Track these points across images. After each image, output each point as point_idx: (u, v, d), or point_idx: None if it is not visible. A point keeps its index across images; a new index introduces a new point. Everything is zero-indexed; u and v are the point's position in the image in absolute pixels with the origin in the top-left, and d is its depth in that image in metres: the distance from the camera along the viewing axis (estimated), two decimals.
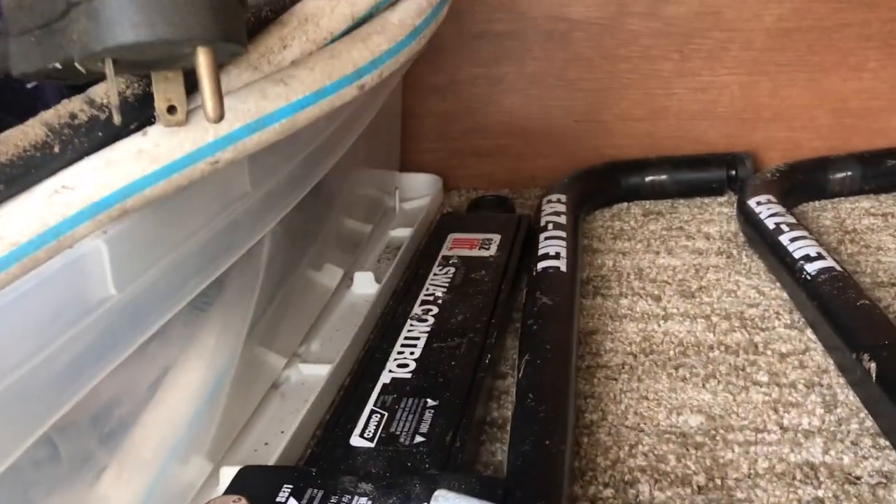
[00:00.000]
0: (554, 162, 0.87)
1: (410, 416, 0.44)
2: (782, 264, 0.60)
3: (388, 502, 0.37)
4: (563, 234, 0.65)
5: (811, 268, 0.57)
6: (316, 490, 0.38)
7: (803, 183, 0.77)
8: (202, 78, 0.29)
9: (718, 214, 0.76)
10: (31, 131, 0.29)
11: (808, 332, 0.55)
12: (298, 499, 0.37)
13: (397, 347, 0.51)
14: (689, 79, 0.83)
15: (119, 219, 0.31)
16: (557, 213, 0.69)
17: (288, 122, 0.35)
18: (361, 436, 0.43)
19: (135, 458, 0.38)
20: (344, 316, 0.62)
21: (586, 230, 0.75)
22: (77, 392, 0.31)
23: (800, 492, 0.41)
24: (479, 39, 0.84)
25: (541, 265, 0.60)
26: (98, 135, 0.31)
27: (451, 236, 0.68)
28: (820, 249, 0.59)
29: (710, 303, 0.60)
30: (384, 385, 0.47)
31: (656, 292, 0.62)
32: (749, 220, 0.68)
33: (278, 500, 0.37)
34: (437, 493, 0.34)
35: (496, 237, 0.67)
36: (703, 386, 0.50)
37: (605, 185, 0.79)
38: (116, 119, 0.30)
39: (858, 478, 0.42)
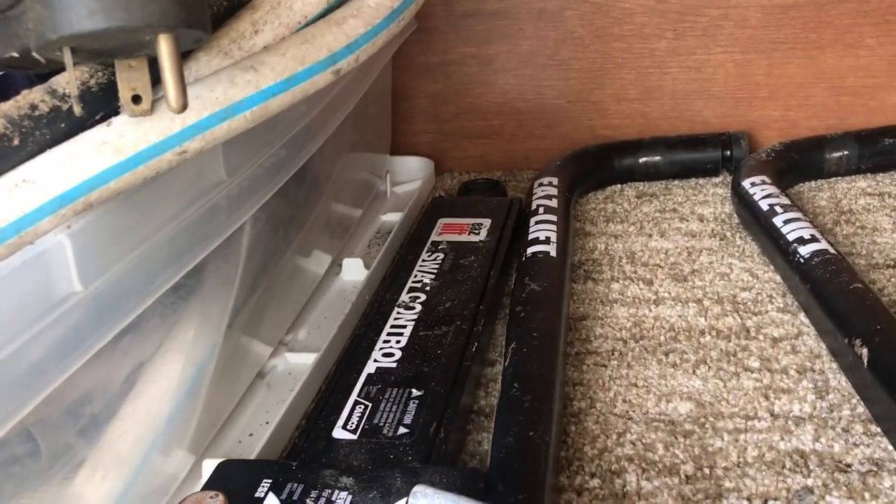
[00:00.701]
0: (547, 143, 0.86)
1: (394, 407, 0.43)
2: (776, 247, 0.59)
3: (369, 496, 0.36)
4: (554, 217, 0.64)
5: (804, 250, 0.56)
6: (296, 484, 0.37)
7: (799, 163, 0.76)
8: (164, 66, 0.28)
9: (713, 195, 0.75)
10: None
11: (801, 315, 0.55)
12: (278, 493, 0.37)
13: (383, 336, 0.50)
14: (684, 57, 0.81)
15: (83, 213, 0.30)
16: (549, 197, 0.68)
17: (259, 110, 0.34)
18: (344, 427, 0.42)
19: (112, 452, 0.37)
20: (332, 303, 0.61)
21: (579, 213, 0.74)
22: (44, 389, 0.30)
23: (789, 480, 0.40)
24: (470, 19, 0.83)
25: (530, 250, 0.59)
26: (60, 126, 0.30)
27: (441, 221, 0.67)
28: (814, 231, 0.58)
29: (703, 286, 0.59)
30: (369, 375, 0.46)
31: (648, 276, 0.62)
32: (743, 202, 0.67)
33: (257, 494, 0.37)
34: (415, 488, 0.33)
35: (486, 222, 0.66)
36: (694, 372, 0.50)
37: (598, 166, 0.78)
38: (77, 110, 0.29)
39: (849, 465, 0.41)
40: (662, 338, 0.54)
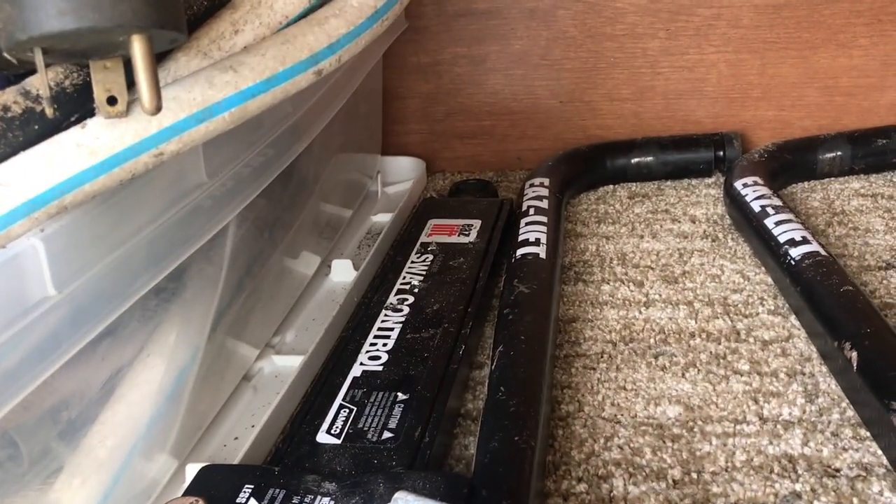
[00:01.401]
0: (540, 143, 0.86)
1: (380, 411, 0.43)
2: (767, 248, 0.59)
3: (351, 502, 0.36)
4: (545, 218, 0.64)
5: (795, 252, 0.55)
6: (278, 490, 0.37)
7: (792, 163, 0.75)
8: (137, 68, 0.27)
9: (705, 196, 0.75)
10: None
11: (792, 318, 0.54)
12: (259, 499, 0.36)
13: (370, 339, 0.50)
14: (677, 57, 0.81)
15: (57, 216, 0.29)
16: (540, 198, 0.67)
17: (238, 111, 0.33)
18: (328, 432, 0.42)
19: (92, 457, 0.37)
20: (321, 305, 0.60)
21: (571, 213, 0.73)
22: (18, 393, 0.29)
23: (777, 485, 0.40)
24: (461, 18, 0.83)
25: (520, 252, 0.58)
26: (34, 128, 0.30)
27: (431, 222, 0.66)
28: (805, 233, 0.58)
29: (693, 288, 0.59)
30: (355, 378, 0.46)
31: (639, 278, 0.61)
32: (735, 203, 0.67)
33: (238, 500, 0.36)
34: (396, 495, 0.33)
35: (476, 223, 0.66)
36: (683, 375, 0.49)
37: (590, 167, 0.78)
38: (49, 111, 0.29)
39: (838, 470, 0.41)
40: (652, 340, 0.53)
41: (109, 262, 0.32)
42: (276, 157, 0.48)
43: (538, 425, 0.40)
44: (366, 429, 0.42)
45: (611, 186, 0.78)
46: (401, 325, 0.51)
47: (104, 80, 0.30)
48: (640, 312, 0.57)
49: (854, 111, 0.81)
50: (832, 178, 0.76)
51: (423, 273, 0.58)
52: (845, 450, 0.42)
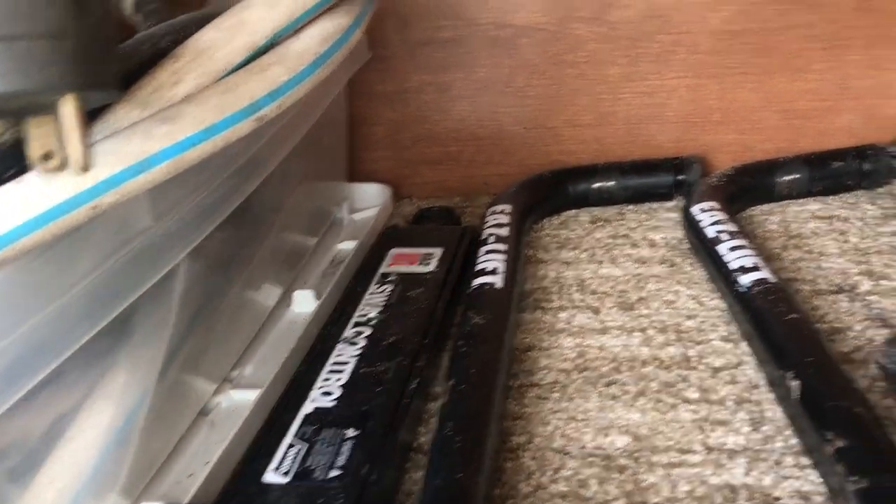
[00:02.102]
0: (505, 169, 0.87)
1: (329, 448, 0.43)
2: (720, 274, 0.60)
3: None
4: (504, 246, 0.65)
5: (745, 279, 0.56)
6: None
7: (751, 186, 0.77)
8: (64, 129, 0.28)
9: (665, 220, 0.76)
10: None
11: (743, 344, 0.55)
12: None
13: (324, 374, 0.50)
14: (637, 83, 0.82)
15: None
16: (500, 225, 0.68)
17: (176, 161, 0.34)
18: (276, 471, 0.42)
19: (41, 500, 0.37)
20: (281, 337, 0.61)
21: (533, 240, 0.74)
22: None
23: None
24: (426, 47, 0.84)
25: (476, 282, 0.59)
26: None
27: (393, 251, 0.67)
28: (757, 260, 0.59)
29: (649, 315, 0.60)
30: (306, 415, 0.46)
31: (596, 304, 0.62)
32: (692, 228, 0.68)
33: None
34: None
35: (438, 251, 0.66)
36: (633, 405, 0.50)
37: (552, 193, 0.79)
38: None
39: (777, 499, 0.42)
40: (605, 368, 0.54)
41: (48, 314, 0.32)
42: (228, 194, 0.48)
43: (483, 461, 0.41)
44: (314, 467, 0.42)
45: (573, 211, 0.79)
46: (356, 358, 0.52)
47: (38, 136, 0.30)
48: (595, 340, 0.57)
49: (811, 134, 0.82)
50: (791, 201, 0.78)
51: (382, 304, 0.59)
52: (786, 478, 0.43)
